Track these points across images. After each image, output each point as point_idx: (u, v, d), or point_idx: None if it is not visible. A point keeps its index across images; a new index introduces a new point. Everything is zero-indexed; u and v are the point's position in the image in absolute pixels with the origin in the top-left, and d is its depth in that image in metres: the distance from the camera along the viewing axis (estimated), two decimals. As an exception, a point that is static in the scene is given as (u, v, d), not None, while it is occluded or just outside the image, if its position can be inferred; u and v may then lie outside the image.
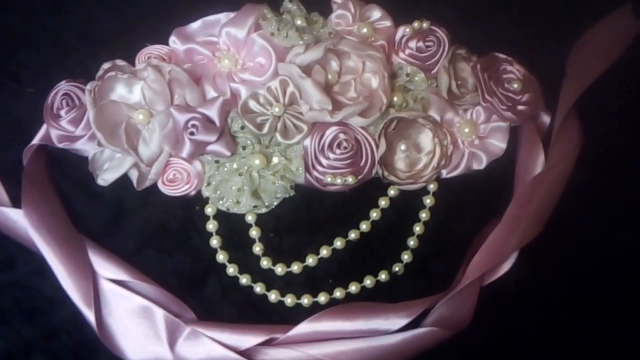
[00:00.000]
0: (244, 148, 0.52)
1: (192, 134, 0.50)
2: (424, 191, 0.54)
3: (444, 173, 0.54)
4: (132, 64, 0.53)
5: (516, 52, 0.55)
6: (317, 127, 0.52)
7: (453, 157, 0.54)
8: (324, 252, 0.53)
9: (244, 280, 0.53)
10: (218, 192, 0.52)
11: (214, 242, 0.53)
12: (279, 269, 0.53)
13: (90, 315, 0.50)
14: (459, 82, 0.54)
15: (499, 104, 0.53)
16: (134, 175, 0.52)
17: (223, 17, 0.54)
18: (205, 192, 0.52)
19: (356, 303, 0.52)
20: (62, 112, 0.52)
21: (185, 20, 0.54)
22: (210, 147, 0.51)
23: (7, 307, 0.52)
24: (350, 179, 0.51)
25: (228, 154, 0.51)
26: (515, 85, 0.54)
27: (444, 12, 0.58)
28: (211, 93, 0.52)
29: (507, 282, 0.53)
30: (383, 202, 0.54)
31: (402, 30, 0.55)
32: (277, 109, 0.51)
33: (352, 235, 0.53)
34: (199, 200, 0.53)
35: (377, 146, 0.52)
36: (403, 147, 0.53)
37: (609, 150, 0.56)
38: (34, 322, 0.52)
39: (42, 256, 0.51)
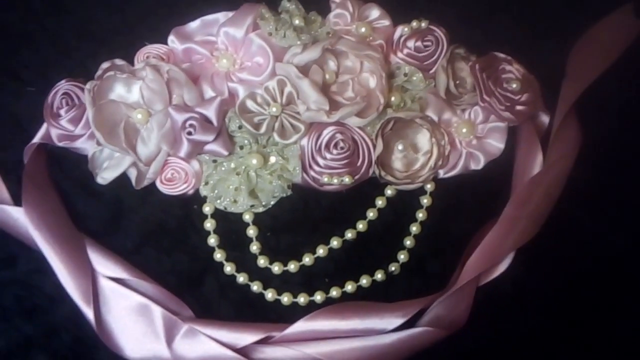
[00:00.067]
0: (241, 147, 0.52)
1: (189, 133, 0.50)
2: (421, 191, 0.54)
3: (442, 173, 0.54)
4: (132, 63, 0.54)
5: (516, 51, 0.55)
6: (315, 127, 0.52)
7: (450, 157, 0.54)
8: (321, 251, 0.53)
9: (241, 278, 0.53)
10: (216, 191, 0.52)
11: (212, 240, 0.53)
12: (276, 268, 0.53)
13: (89, 313, 0.50)
14: (457, 82, 0.53)
15: (497, 104, 0.53)
16: (132, 174, 0.52)
17: (221, 16, 0.54)
18: (203, 191, 0.53)
19: (352, 302, 0.52)
20: (62, 111, 0.53)
21: (184, 19, 0.54)
22: (207, 147, 0.51)
23: (8, 305, 0.53)
24: (347, 179, 0.51)
25: (225, 153, 0.52)
26: (514, 85, 0.53)
27: (444, 11, 0.58)
28: (209, 92, 0.53)
29: (503, 283, 0.53)
30: (380, 202, 0.54)
31: (401, 30, 0.55)
32: (274, 109, 0.51)
33: (349, 234, 0.53)
34: (196, 199, 0.53)
35: (374, 146, 0.52)
36: (400, 147, 0.53)
37: (608, 151, 0.56)
38: (34, 320, 0.52)
39: (42, 254, 0.51)
